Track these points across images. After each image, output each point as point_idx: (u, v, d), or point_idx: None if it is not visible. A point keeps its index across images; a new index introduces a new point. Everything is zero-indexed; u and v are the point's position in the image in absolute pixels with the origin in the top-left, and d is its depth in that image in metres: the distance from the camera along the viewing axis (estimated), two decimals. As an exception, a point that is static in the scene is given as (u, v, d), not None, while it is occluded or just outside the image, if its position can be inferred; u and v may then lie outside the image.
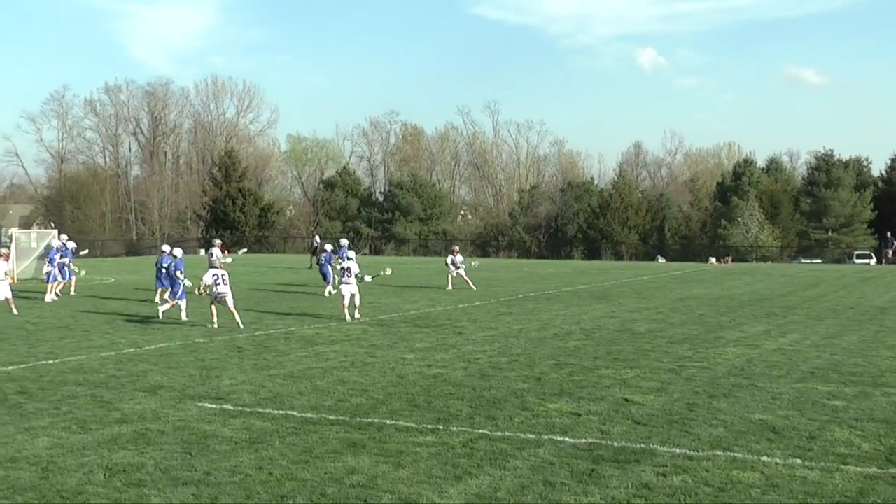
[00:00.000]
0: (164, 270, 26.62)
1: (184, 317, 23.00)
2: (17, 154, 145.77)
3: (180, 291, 23.79)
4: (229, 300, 21.92)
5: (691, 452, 10.09)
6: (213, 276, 22.16)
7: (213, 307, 21.98)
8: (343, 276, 23.91)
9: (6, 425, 11.16)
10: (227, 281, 22.23)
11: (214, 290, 22.04)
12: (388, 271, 28.58)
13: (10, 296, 25.52)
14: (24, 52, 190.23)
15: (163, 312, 23.16)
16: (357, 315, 23.46)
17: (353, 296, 23.48)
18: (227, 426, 11.16)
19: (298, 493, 8.56)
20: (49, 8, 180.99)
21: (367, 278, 24.65)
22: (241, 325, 21.35)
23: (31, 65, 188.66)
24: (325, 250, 33.82)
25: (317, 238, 53.33)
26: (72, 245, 32.55)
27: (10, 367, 15.60)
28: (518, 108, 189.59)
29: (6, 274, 26.11)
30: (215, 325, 21.44)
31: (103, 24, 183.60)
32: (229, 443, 10.36)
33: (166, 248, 27.52)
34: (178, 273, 24.06)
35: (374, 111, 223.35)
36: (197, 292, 27.04)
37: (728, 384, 14.30)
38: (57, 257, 30.61)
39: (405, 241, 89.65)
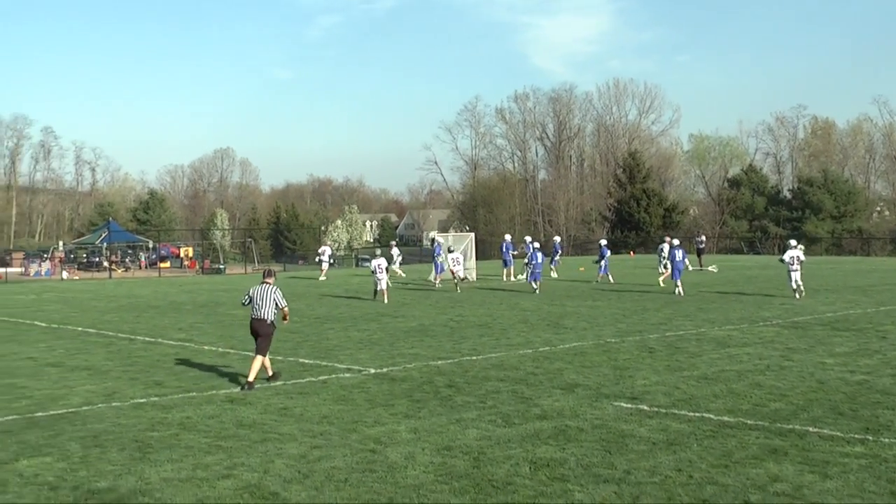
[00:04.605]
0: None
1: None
2: (435, 163, 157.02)
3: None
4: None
5: None
6: (453, 260, 34.06)
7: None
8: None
9: (440, 416, 12.03)
10: (382, 268, 30.35)
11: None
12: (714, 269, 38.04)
13: (384, 287, 30.36)
14: (441, 69, 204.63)
15: None
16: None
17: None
18: (643, 426, 11.23)
19: (720, 498, 8.42)
20: (461, 26, 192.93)
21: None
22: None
23: (447, 79, 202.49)
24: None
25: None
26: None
27: (439, 362, 16.79)
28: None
29: (385, 269, 31.09)
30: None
31: (508, 37, 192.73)
32: (647, 443, 10.42)
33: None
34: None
35: (780, 106, 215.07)
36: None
37: None
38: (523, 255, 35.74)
39: (816, 239, 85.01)
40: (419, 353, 17.94)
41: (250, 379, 14.25)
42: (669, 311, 25.75)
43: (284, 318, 14.92)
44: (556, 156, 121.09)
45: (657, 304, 27.59)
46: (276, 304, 14.62)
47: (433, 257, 38.71)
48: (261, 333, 14.49)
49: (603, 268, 38.45)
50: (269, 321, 14.55)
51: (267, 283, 14.82)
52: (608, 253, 39.52)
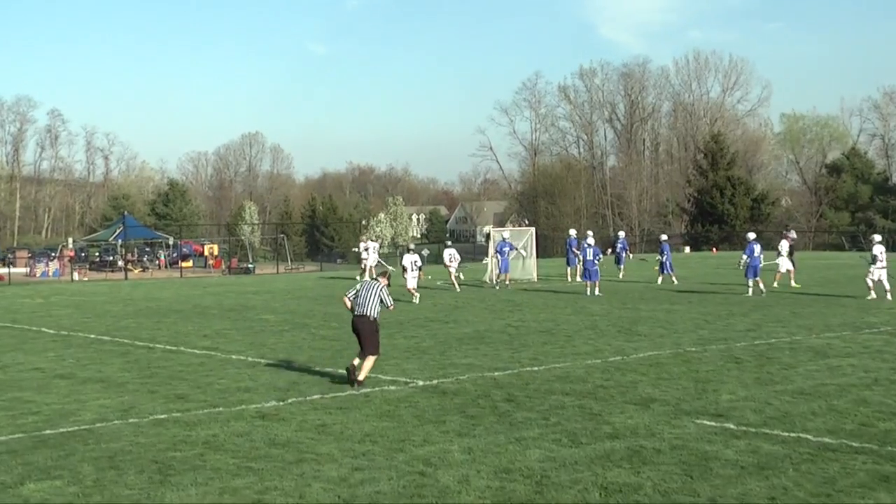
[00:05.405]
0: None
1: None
2: (490, 148, 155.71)
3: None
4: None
5: None
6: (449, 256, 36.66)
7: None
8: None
9: (497, 434, 12.01)
10: (416, 265, 32.48)
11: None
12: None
13: (414, 286, 31.84)
14: (496, 42, 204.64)
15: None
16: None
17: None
18: (730, 447, 11.12)
19: (821, 531, 8.31)
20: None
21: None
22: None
23: (503, 54, 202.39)
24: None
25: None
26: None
27: (496, 373, 16.78)
28: None
29: (418, 266, 32.88)
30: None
31: (573, 5, 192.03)
32: (734, 467, 10.31)
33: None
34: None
35: (889, 79, 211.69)
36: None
37: None
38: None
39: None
40: (473, 363, 17.94)
41: (360, 378, 15.47)
42: (758, 315, 25.50)
43: (390, 304, 16.01)
44: (627, 140, 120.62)
45: (744, 308, 27.34)
46: (382, 301, 15.85)
47: (498, 254, 38.72)
48: (363, 332, 15.72)
49: (668, 266, 38.71)
50: (372, 318, 15.78)
51: (378, 280, 16.29)
52: (669, 249, 39.97)
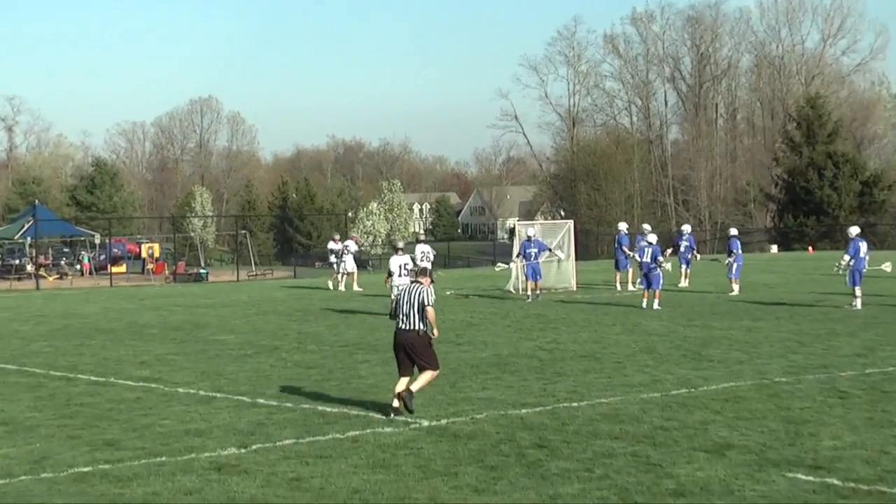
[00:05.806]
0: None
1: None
2: (515, 117, 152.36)
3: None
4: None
5: None
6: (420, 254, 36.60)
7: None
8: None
9: (526, 490, 11.99)
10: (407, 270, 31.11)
11: None
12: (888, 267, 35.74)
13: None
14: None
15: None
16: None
17: None
18: (834, 508, 11.11)
19: None
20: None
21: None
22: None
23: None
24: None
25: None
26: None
27: (524, 410, 16.76)
28: None
29: (409, 270, 32.44)
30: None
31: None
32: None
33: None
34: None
35: None
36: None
37: None
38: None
39: None
40: (494, 398, 17.95)
41: (413, 388, 16.30)
42: (870, 335, 25.45)
43: (433, 330, 16.65)
44: (694, 105, 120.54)
45: (851, 327, 27.26)
46: (423, 305, 16.38)
47: (523, 256, 38.50)
48: (414, 351, 16.42)
49: (733, 270, 38.69)
50: (420, 331, 16.44)
51: (419, 283, 16.86)
52: (740, 248, 39.70)
